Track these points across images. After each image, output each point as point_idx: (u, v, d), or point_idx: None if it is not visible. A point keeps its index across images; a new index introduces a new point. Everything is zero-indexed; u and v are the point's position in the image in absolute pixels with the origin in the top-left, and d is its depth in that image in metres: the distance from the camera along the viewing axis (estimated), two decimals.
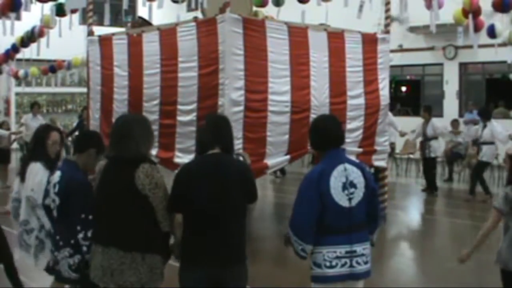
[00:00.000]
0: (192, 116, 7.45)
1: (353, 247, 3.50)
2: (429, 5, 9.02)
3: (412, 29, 16.44)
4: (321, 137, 3.64)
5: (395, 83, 19.61)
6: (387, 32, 8.88)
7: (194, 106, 7.42)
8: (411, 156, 14.34)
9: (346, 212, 3.49)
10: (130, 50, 8.42)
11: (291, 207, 3.57)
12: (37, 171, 4.35)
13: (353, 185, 3.52)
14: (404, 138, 13.38)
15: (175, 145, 7.72)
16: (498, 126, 10.79)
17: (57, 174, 3.79)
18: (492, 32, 10.26)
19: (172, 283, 3.60)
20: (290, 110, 7.54)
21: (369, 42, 8.50)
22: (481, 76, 17.28)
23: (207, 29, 7.26)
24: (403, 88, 21.76)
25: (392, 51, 10.04)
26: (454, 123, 13.59)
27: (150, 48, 8.04)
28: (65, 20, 10.89)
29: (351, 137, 8.06)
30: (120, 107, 8.56)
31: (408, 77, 19.86)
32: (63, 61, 15.81)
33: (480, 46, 10.15)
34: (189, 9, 14.58)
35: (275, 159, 7.53)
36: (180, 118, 7.62)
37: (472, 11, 9.33)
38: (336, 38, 8.13)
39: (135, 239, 3.34)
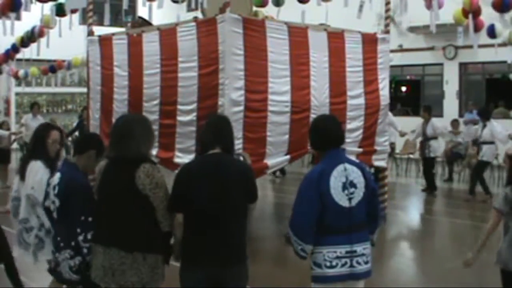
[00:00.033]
0: (192, 116, 7.45)
1: (353, 247, 3.50)
2: (429, 5, 9.01)
3: (412, 29, 16.44)
4: (321, 137, 3.64)
5: (395, 83, 19.61)
6: (387, 32, 8.88)
7: (194, 106, 7.42)
8: (411, 156, 14.35)
9: (346, 212, 3.49)
10: (130, 50, 8.42)
11: (291, 207, 3.57)
12: (37, 170, 4.34)
13: (353, 185, 3.52)
14: (404, 138, 13.38)
15: (175, 145, 7.72)
16: (498, 126, 10.80)
17: (57, 176, 3.79)
18: (492, 32, 10.26)
19: (172, 283, 3.60)
20: (290, 110, 7.53)
21: (369, 42, 8.50)
22: (481, 76, 17.29)
23: (207, 29, 7.26)
24: (403, 88, 21.76)
25: (392, 51, 10.04)
26: (454, 123, 13.59)
27: (150, 48, 8.04)
28: (65, 20, 10.89)
29: (351, 137, 8.06)
30: (120, 107, 8.56)
31: (408, 77, 19.87)
32: (63, 61, 15.82)
33: (480, 46, 10.15)
34: (189, 9, 14.58)
35: (275, 159, 7.53)
36: (180, 118, 7.62)
37: (472, 11, 9.33)
38: (336, 38, 8.13)
39: (136, 239, 3.34)
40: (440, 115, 16.21)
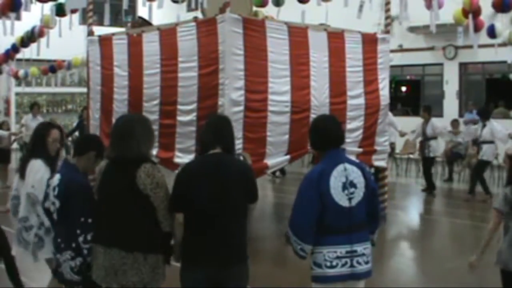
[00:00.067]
0: (192, 116, 7.45)
1: (354, 247, 3.50)
2: (429, 5, 9.02)
3: (412, 29, 16.44)
4: (321, 137, 3.64)
5: (395, 83, 19.60)
6: (387, 32, 8.88)
7: (194, 106, 7.42)
8: (411, 156, 14.35)
9: (346, 212, 3.49)
10: (130, 50, 8.42)
11: (291, 207, 3.57)
12: (38, 168, 4.34)
13: (353, 185, 3.52)
14: (404, 138, 13.38)
15: (175, 145, 7.72)
16: (498, 125, 10.80)
17: (57, 177, 3.78)
18: (492, 32, 10.26)
19: (173, 283, 3.60)
20: (290, 110, 7.54)
21: (369, 42, 8.50)
22: (481, 76, 17.28)
23: (207, 29, 7.26)
24: (403, 88, 21.76)
25: (392, 51, 10.04)
26: (454, 123, 13.59)
27: (150, 48, 8.04)
28: (65, 20, 10.89)
29: (351, 137, 8.06)
30: (120, 107, 8.57)
31: (408, 77, 19.87)
32: (63, 61, 15.82)
33: (480, 46, 10.16)
34: (189, 9, 14.57)
35: (275, 159, 7.54)
36: (180, 118, 7.62)
37: (472, 11, 9.33)
38: (336, 38, 8.13)
39: (137, 240, 3.34)
40: (440, 115, 16.21)
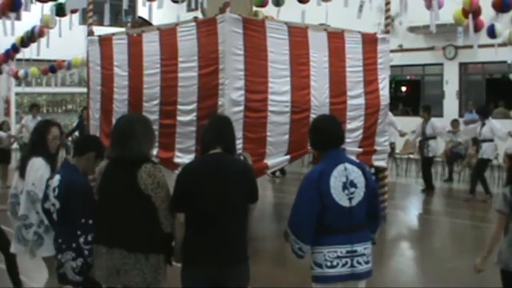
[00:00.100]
0: (192, 116, 7.45)
1: (354, 246, 3.50)
2: (429, 5, 9.02)
3: (412, 29, 16.44)
4: (321, 137, 3.64)
5: (395, 83, 19.61)
6: (387, 32, 8.88)
7: (194, 106, 7.42)
8: (411, 156, 14.34)
9: (347, 212, 3.49)
10: (130, 50, 8.42)
11: (291, 207, 3.57)
12: (38, 166, 4.33)
13: (353, 184, 3.52)
14: (404, 138, 13.39)
15: (175, 145, 7.72)
16: (497, 123, 10.80)
17: (56, 177, 3.77)
18: (492, 32, 10.26)
19: (174, 283, 3.60)
20: (290, 110, 7.54)
21: (369, 42, 8.50)
22: (481, 76, 17.28)
23: (207, 29, 7.26)
24: (403, 88, 21.76)
25: (392, 51, 10.04)
26: (454, 123, 13.58)
27: (150, 48, 8.04)
28: (65, 20, 10.89)
29: (351, 137, 8.06)
30: (120, 107, 8.56)
31: (408, 77, 19.87)
32: (63, 61, 15.82)
33: (480, 46, 10.16)
34: (189, 9, 14.57)
35: (275, 159, 7.53)
36: (180, 118, 7.62)
37: (472, 11, 9.33)
38: (336, 38, 8.13)
39: (138, 240, 3.34)
40: (440, 115, 16.21)
